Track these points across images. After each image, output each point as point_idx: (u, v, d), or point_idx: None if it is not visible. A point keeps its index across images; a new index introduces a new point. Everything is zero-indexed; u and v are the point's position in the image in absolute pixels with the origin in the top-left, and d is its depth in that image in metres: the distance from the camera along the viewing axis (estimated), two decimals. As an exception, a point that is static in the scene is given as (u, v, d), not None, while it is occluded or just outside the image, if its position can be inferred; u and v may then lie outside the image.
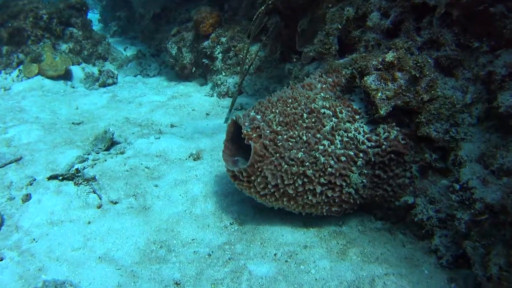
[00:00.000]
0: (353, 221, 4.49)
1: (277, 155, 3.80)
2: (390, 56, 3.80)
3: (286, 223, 4.41)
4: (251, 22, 7.62)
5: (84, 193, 4.87)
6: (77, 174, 5.01)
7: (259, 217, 4.50)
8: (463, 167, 3.73)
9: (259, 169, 3.82)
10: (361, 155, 3.91)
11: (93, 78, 8.35)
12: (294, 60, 6.12)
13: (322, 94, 4.10)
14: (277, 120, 3.91)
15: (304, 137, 3.83)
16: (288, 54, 7.29)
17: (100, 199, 4.77)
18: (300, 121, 3.88)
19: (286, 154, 3.79)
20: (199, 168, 5.39)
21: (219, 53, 8.11)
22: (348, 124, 3.93)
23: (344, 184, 3.92)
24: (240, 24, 8.09)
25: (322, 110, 3.94)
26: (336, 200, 4.01)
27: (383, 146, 3.92)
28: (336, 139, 3.88)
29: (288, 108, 3.95)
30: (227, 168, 4.11)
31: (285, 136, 3.82)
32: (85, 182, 4.94)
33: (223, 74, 8.06)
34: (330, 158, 3.84)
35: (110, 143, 5.87)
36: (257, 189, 3.92)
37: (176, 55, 8.60)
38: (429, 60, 3.86)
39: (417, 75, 3.74)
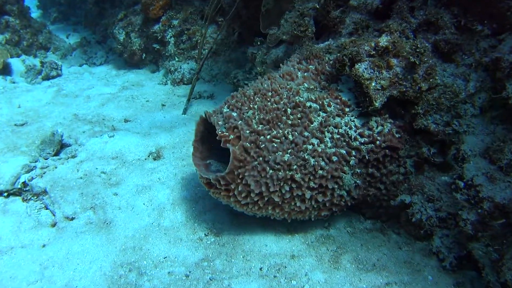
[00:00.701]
0: (340, 222, 4.01)
1: (260, 159, 3.21)
2: (384, 41, 3.28)
3: (268, 230, 3.86)
4: (205, 3, 6.90)
5: (35, 210, 4.08)
6: (24, 189, 4.20)
7: (237, 224, 3.92)
8: (467, 163, 3.31)
9: (240, 176, 3.22)
10: (353, 153, 3.40)
11: (35, 71, 7.31)
12: (259, 43, 5.49)
13: (305, 84, 3.53)
14: (257, 117, 3.30)
15: (290, 136, 3.26)
16: (248, 36, 6.65)
17: (54, 215, 4.02)
18: (284, 118, 3.30)
19: (270, 157, 3.20)
20: (162, 169, 4.71)
21: (171, 37, 7.34)
22: (338, 119, 3.39)
23: (336, 186, 3.41)
24: (192, 6, 7.33)
25: (308, 104, 3.37)
26: (327, 204, 3.50)
27: (377, 142, 3.43)
28: (325, 137, 3.33)
29: (269, 103, 3.35)
30: (200, 175, 3.47)
31: (268, 137, 3.23)
32: (35, 197, 4.15)
33: (176, 59, 7.31)
34: (321, 159, 3.30)
35: (59, 147, 5.03)
36: (238, 198, 3.33)
37: (125, 41, 7.72)
38: (427, 45, 3.37)
39: (416, 62, 3.25)
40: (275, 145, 3.22)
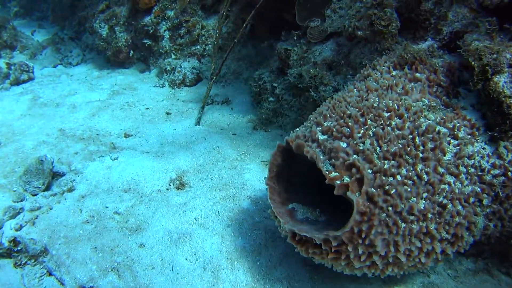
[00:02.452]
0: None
1: (391, 209, 2.26)
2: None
3: (363, 285, 2.94)
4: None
5: (35, 279, 2.89)
6: (16, 248, 2.97)
7: (320, 280, 2.96)
8: None
9: (362, 235, 2.25)
10: (487, 189, 2.54)
11: (1, 74, 5.81)
12: (295, 38, 4.47)
13: (425, 100, 2.60)
14: (378, 150, 2.34)
15: (425, 176, 2.33)
16: (262, 29, 5.62)
17: (63, 284, 2.85)
18: (413, 150, 2.36)
19: (403, 206, 2.26)
20: (196, 205, 3.63)
21: (165, 30, 6.12)
22: (470, 147, 2.51)
23: (467, 234, 2.54)
24: (192, -7, 6.14)
25: (438, 129, 2.46)
26: (450, 254, 2.62)
27: (509, 173, 2.59)
28: (461, 173, 2.44)
29: (389, 128, 2.40)
30: (288, 229, 2.47)
31: (398, 177, 2.28)
32: (33, 260, 2.95)
33: (173, 56, 6.12)
34: (458, 202, 2.40)
35: (50, 178, 3.80)
36: (354, 263, 2.37)
37: (108, 36, 6.39)
38: None
39: None
40: (409, 189, 2.29)
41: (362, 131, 2.41)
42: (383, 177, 2.27)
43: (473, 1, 2.87)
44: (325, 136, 2.50)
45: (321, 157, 2.36)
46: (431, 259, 2.50)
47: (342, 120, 2.50)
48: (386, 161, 2.31)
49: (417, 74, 2.74)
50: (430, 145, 2.38)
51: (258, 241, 3.23)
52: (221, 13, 5.14)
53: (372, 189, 2.24)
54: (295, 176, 2.79)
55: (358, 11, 3.47)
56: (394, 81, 2.70)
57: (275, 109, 4.79)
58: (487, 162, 2.53)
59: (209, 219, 3.46)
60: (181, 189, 3.87)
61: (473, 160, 2.48)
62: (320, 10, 4.19)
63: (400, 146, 2.34)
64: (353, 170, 2.27)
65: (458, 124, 2.52)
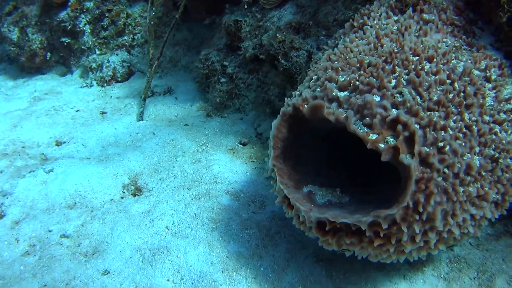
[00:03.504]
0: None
1: (447, 171, 1.76)
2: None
3: (392, 275, 2.45)
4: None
5: None
6: None
7: (341, 278, 2.41)
8: None
9: (420, 208, 1.73)
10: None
11: None
12: (246, 7, 3.86)
13: (447, 41, 2.15)
14: (419, 100, 1.84)
15: (474, 126, 1.87)
16: (197, 9, 4.95)
17: None
18: (456, 97, 1.90)
19: (459, 166, 1.78)
20: (162, 210, 2.90)
21: (85, 24, 5.18)
22: (505, 90, 2.12)
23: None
24: (111, -21, 5.27)
25: (474, 70, 2.03)
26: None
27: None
28: (505, 120, 2.04)
29: (424, 73, 1.91)
30: (315, 218, 1.88)
31: (450, 131, 1.80)
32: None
33: (98, 52, 5.21)
34: (507, 154, 1.99)
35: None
36: (406, 246, 1.84)
37: (20, 40, 5.28)
38: None
39: None
40: (463, 143, 1.81)
41: (394, 81, 1.89)
42: (434, 132, 1.77)
43: None
44: (346, 93, 1.94)
45: (351, 117, 1.79)
46: (478, 227, 2.06)
47: (364, 71, 1.96)
48: (431, 113, 1.81)
49: (425, 15, 2.29)
50: (470, 89, 1.92)
51: (254, 242, 2.60)
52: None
53: (425, 148, 1.73)
54: (303, 151, 2.20)
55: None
56: (405, 22, 2.22)
57: (229, 91, 4.15)
58: (521, 107, 2.15)
59: (185, 225, 2.75)
60: (138, 194, 3.10)
61: (510, 104, 2.08)
62: None
63: (441, 93, 1.86)
64: (399, 127, 1.73)
65: (489, 65, 2.10)
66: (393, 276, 2.47)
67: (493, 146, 1.91)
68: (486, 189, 1.87)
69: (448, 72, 1.91)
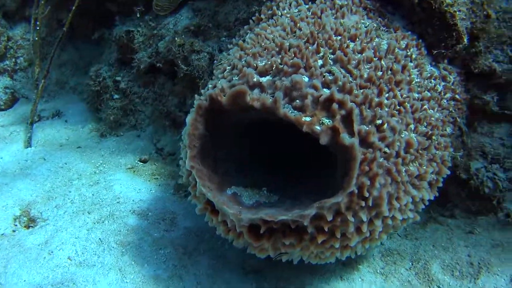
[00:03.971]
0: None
1: (388, 150, 1.62)
2: None
3: (327, 276, 2.26)
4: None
5: None
6: None
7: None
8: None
9: (365, 193, 1.55)
10: (448, 115, 2.16)
11: None
12: (138, 15, 3.53)
13: (365, 22, 2.05)
14: (350, 78, 1.68)
15: (407, 103, 1.77)
16: (85, 26, 4.48)
17: None
18: (385, 73, 1.78)
19: (398, 144, 1.65)
20: (62, 239, 2.42)
21: None
22: (427, 69, 2.08)
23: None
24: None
25: (399, 51, 1.94)
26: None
27: (457, 96, 2.29)
28: (431, 97, 1.98)
29: (350, 50, 1.76)
30: (248, 220, 1.60)
31: (386, 108, 1.66)
32: None
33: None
34: (437, 131, 1.93)
35: None
36: (352, 238, 1.64)
37: None
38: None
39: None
40: (399, 120, 1.68)
41: (320, 60, 1.71)
42: (370, 110, 1.61)
43: None
44: (269, 77, 1.72)
45: (281, 100, 1.56)
46: (416, 211, 1.96)
47: (286, 53, 1.75)
48: (365, 90, 1.66)
49: (338, 1, 2.18)
50: (397, 66, 1.82)
51: (171, 263, 2.24)
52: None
53: (364, 126, 1.56)
54: (222, 150, 1.92)
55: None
56: (320, 6, 2.09)
57: (123, 107, 3.77)
58: (439, 84, 2.13)
59: (90, 252, 2.29)
60: (32, 225, 2.57)
61: (431, 82, 2.04)
62: None
63: (371, 70, 1.73)
64: (334, 106, 1.54)
65: (409, 44, 2.04)
66: (330, 279, 2.30)
67: (425, 123, 1.82)
68: (424, 167, 1.76)
69: (373, 50, 1.79)
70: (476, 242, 2.53)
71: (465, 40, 2.14)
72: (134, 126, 3.70)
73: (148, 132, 3.62)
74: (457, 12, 2.07)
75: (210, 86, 2.00)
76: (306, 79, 1.62)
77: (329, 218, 1.51)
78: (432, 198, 1.96)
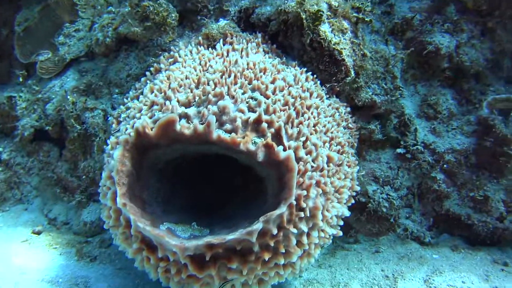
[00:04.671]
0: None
1: (313, 163, 1.80)
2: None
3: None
4: None
5: None
6: None
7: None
8: (413, 125, 3.03)
9: (302, 203, 1.68)
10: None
11: None
12: (20, 80, 3.41)
13: (268, 59, 2.29)
14: (270, 101, 1.85)
15: (321, 125, 2.00)
16: None
17: None
18: (297, 100, 2.00)
19: (321, 158, 1.84)
20: None
21: None
22: (323, 103, 2.38)
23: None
24: None
25: (303, 82, 2.21)
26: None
27: (350, 124, 2.66)
28: (335, 120, 2.27)
29: (265, 79, 1.96)
30: (194, 247, 1.59)
31: (307, 128, 1.86)
32: None
33: None
34: (346, 150, 2.20)
35: None
36: (293, 252, 1.73)
37: None
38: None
39: (359, 24, 2.73)
40: (318, 137, 1.89)
41: (239, 90, 1.87)
42: (294, 128, 1.79)
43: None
44: (193, 107, 1.81)
45: (214, 127, 1.65)
46: (334, 226, 2.15)
47: (206, 86, 1.88)
48: (286, 111, 1.85)
49: (236, 46, 2.42)
50: (305, 94, 2.08)
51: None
52: None
53: (292, 142, 1.73)
54: (147, 189, 1.90)
55: (123, 14, 2.91)
56: (224, 48, 2.30)
57: (7, 180, 3.47)
58: (336, 114, 2.44)
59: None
60: None
61: (331, 110, 2.35)
62: (48, 40, 3.37)
63: (285, 96, 1.94)
64: (263, 126, 1.69)
65: (308, 77, 2.34)
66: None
67: (335, 142, 2.06)
68: (342, 181, 1.97)
69: (283, 80, 2.02)
70: (384, 258, 2.78)
71: (352, 73, 2.51)
72: (20, 200, 3.40)
73: (36, 203, 3.36)
74: (344, 50, 2.45)
75: (112, 139, 2.00)
76: (232, 104, 1.74)
77: (274, 231, 1.58)
78: (348, 215, 2.14)
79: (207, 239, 1.56)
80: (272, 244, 1.62)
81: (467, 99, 3.16)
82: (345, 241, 3.07)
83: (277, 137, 1.68)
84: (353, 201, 2.21)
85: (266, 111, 1.76)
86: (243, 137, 1.65)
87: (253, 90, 1.88)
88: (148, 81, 2.52)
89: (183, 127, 1.65)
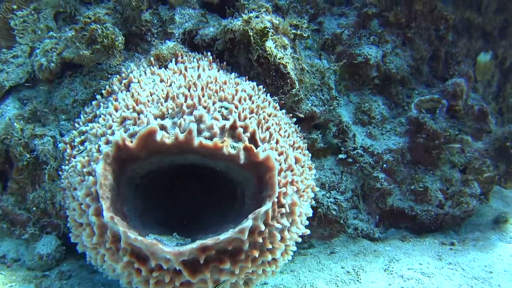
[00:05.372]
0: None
1: (284, 164, 2.00)
2: (271, 18, 2.83)
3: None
4: None
5: None
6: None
7: None
8: (350, 132, 3.38)
9: (282, 200, 1.86)
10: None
11: None
12: None
13: (223, 75, 2.48)
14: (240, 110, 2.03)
15: (282, 130, 2.21)
16: None
17: None
18: (259, 108, 2.20)
19: (290, 159, 2.05)
20: None
21: None
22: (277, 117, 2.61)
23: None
24: None
25: (259, 93, 2.41)
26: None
27: (299, 134, 2.91)
28: (291, 128, 2.50)
29: (234, 93, 2.14)
30: (190, 250, 1.69)
31: (274, 132, 2.06)
32: None
33: None
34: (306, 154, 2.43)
35: None
36: (279, 247, 1.89)
37: None
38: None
39: (297, 40, 3.04)
40: (285, 140, 2.10)
41: (209, 100, 2.02)
42: (265, 132, 1.98)
43: (194, 2, 3.05)
44: (168, 119, 1.92)
45: (195, 135, 1.79)
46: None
47: (175, 99, 2.01)
48: (255, 116, 2.03)
49: (188, 64, 2.57)
50: (264, 103, 2.29)
51: None
52: None
53: (266, 144, 1.92)
54: (126, 203, 1.95)
55: (66, 38, 2.93)
56: (179, 66, 2.45)
57: None
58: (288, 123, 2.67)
59: None
60: None
61: (285, 117, 2.58)
62: None
63: (249, 104, 2.13)
64: (239, 131, 1.86)
65: (260, 88, 2.56)
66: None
67: (296, 146, 2.28)
68: (308, 181, 2.18)
69: (243, 91, 2.21)
70: (341, 257, 3.03)
71: (297, 85, 2.78)
72: None
73: (-22, 245, 3.13)
74: (288, 63, 2.72)
75: (80, 158, 2.04)
76: (207, 114, 1.89)
77: (262, 227, 1.74)
78: (311, 214, 2.35)
79: (201, 242, 1.66)
80: (260, 240, 1.77)
81: (395, 103, 3.59)
82: (300, 247, 3.26)
83: (253, 141, 1.85)
84: (313, 202, 2.42)
85: (239, 117, 1.93)
86: (222, 142, 1.79)
87: (220, 100, 2.04)
88: (101, 104, 2.56)
89: (164, 137, 1.76)
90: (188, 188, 2.38)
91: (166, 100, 2.03)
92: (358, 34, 3.50)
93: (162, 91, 2.09)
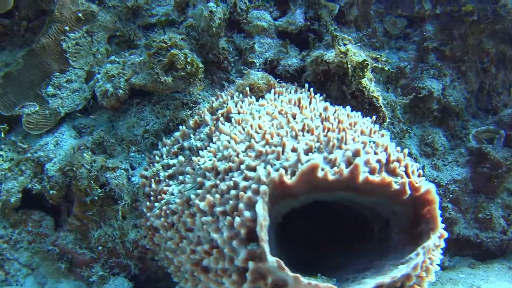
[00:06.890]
0: None
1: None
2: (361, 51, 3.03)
3: None
4: None
5: None
6: None
7: None
8: (420, 164, 3.60)
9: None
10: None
11: None
12: (1, 134, 3.14)
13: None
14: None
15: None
16: None
17: None
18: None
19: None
20: None
21: None
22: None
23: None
24: None
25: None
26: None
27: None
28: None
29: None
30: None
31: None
32: None
33: None
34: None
35: None
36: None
37: None
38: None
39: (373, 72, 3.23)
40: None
41: (354, 134, 2.15)
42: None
43: (272, 32, 3.18)
44: (317, 153, 2.02)
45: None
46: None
47: (322, 132, 2.12)
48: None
49: (283, 97, 2.67)
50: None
51: None
52: None
53: (415, 177, 2.05)
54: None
55: (134, 63, 2.97)
56: (283, 98, 2.57)
57: None
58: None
59: None
60: None
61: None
62: (33, 91, 3.22)
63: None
64: (394, 165, 1.99)
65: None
66: None
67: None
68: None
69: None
70: None
71: (388, 119, 2.95)
72: (5, 281, 3.02)
73: (28, 284, 3.01)
74: (379, 97, 2.89)
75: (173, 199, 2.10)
76: (362, 149, 2.01)
77: (427, 261, 1.86)
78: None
79: (377, 280, 1.74)
80: (423, 275, 1.87)
81: (453, 134, 3.84)
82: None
83: (407, 174, 1.98)
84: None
85: (386, 151, 2.05)
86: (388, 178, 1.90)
87: (362, 134, 2.17)
88: (191, 135, 2.59)
89: (327, 172, 1.85)
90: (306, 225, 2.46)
91: (295, 137, 2.11)
92: (419, 68, 3.74)
93: (297, 123, 2.18)
